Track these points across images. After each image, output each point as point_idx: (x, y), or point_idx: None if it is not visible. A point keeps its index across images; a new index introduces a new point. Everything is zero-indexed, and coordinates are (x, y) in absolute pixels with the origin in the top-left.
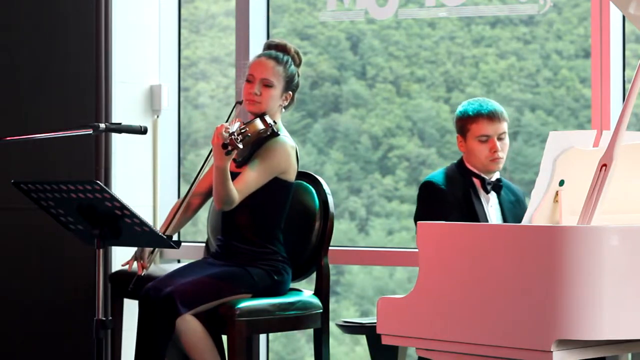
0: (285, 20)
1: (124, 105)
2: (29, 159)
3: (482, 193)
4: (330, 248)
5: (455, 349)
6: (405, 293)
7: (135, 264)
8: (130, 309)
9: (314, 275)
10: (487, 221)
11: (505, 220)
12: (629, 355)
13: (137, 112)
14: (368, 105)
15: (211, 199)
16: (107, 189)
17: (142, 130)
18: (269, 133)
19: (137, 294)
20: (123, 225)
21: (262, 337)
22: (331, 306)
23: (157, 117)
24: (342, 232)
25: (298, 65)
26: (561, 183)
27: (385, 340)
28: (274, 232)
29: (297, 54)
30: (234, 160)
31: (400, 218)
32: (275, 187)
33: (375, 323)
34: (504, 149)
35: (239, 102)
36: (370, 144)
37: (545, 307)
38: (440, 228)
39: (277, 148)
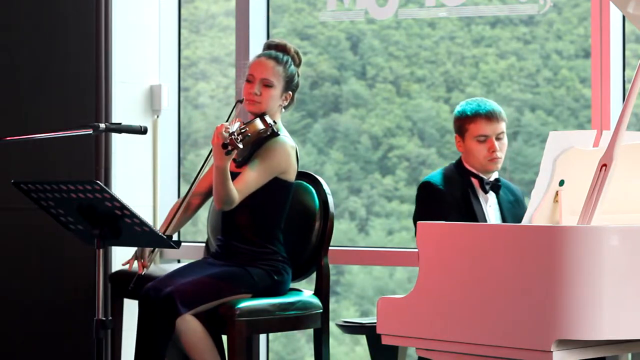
0: (285, 20)
1: (124, 105)
2: (29, 159)
3: (480, 193)
4: (330, 248)
5: (455, 349)
6: (405, 293)
7: (135, 263)
8: (130, 309)
9: (314, 275)
10: (485, 221)
11: (504, 220)
12: (629, 355)
13: (137, 112)
14: (368, 105)
15: (211, 198)
16: (107, 189)
17: (142, 130)
18: (269, 133)
19: (138, 293)
20: (123, 225)
21: (262, 337)
22: (331, 306)
23: (157, 117)
24: (342, 232)
25: (298, 65)
26: (561, 183)
27: (385, 340)
28: (274, 232)
29: (297, 54)
30: (234, 160)
31: (400, 218)
32: (275, 187)
33: (375, 323)
34: (502, 148)
35: (239, 101)
36: (370, 144)
37: (545, 307)
38: (440, 228)
39: (277, 148)
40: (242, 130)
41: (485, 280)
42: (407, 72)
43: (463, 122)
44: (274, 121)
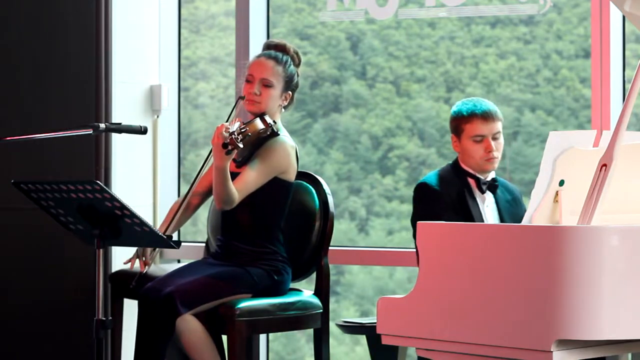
0: (285, 20)
1: (124, 105)
2: (29, 159)
3: (477, 193)
4: (330, 248)
5: (455, 349)
6: (405, 293)
7: (137, 262)
8: (130, 309)
9: (314, 275)
10: (482, 221)
11: (502, 219)
12: (629, 355)
13: (137, 112)
14: (368, 105)
15: (211, 198)
16: (107, 189)
17: (142, 130)
18: (268, 133)
19: (138, 292)
20: (123, 225)
21: (262, 337)
22: (331, 306)
23: (157, 117)
24: (342, 232)
25: (297, 65)
26: (561, 183)
27: (385, 340)
28: (274, 232)
29: (297, 53)
30: (234, 160)
31: (400, 218)
32: (275, 187)
33: (375, 323)
34: (498, 148)
35: (241, 98)
36: (370, 144)
37: (545, 307)
38: (440, 228)
39: (277, 148)
40: (242, 130)
41: (485, 280)
42: (407, 72)
43: (459, 122)
44: (274, 121)
